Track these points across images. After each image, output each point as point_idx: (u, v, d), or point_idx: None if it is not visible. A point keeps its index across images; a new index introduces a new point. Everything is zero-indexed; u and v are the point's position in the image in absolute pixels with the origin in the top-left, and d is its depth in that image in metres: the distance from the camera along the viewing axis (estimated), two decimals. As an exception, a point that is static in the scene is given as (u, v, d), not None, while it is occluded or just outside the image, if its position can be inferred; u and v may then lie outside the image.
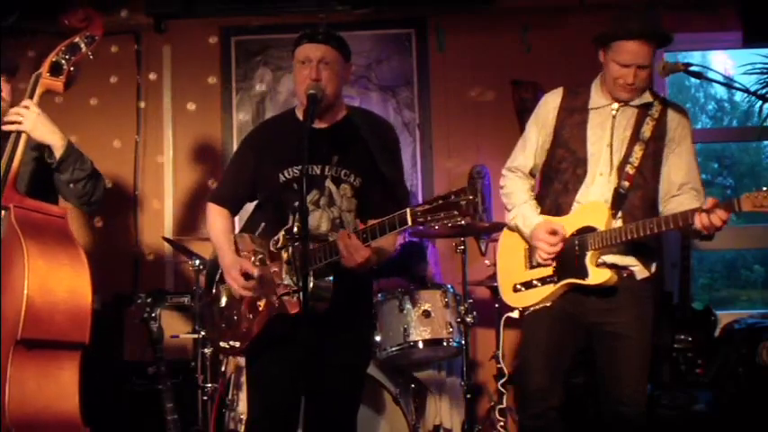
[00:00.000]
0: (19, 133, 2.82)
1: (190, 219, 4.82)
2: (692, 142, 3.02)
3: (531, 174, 3.14)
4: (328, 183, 2.80)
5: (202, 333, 3.99)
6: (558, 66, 4.55)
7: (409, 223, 2.43)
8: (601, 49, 2.96)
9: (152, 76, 4.90)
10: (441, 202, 2.37)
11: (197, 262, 4.03)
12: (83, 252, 2.73)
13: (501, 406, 3.88)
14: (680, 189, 2.95)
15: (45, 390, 2.58)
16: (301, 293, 2.41)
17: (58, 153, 2.88)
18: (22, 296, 2.52)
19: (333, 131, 2.84)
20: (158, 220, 4.87)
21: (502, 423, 3.93)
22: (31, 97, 2.87)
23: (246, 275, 2.73)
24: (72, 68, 2.90)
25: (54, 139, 2.88)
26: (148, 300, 3.95)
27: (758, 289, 6.31)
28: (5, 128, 2.85)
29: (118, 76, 4.85)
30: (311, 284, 2.57)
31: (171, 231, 4.85)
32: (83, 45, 2.92)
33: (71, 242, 2.75)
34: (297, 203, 2.54)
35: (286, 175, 2.80)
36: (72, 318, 2.63)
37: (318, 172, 2.79)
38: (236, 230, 3.00)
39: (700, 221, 2.64)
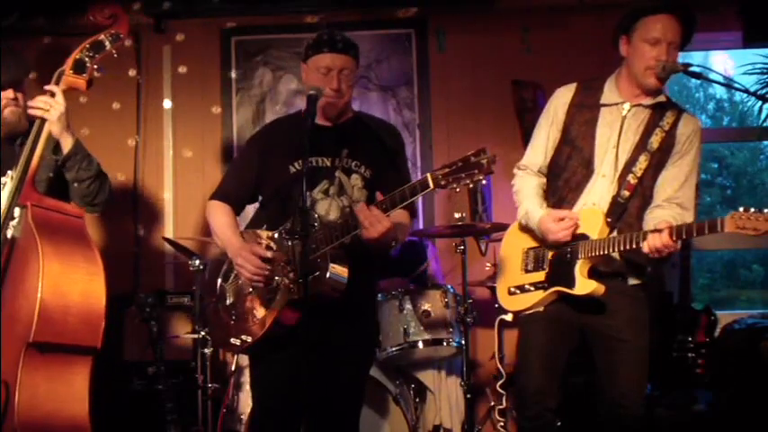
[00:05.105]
0: (39, 131, 2.80)
1: (190, 219, 4.82)
2: (698, 157, 2.94)
3: (542, 171, 3.06)
4: (338, 173, 2.80)
5: (202, 333, 3.98)
6: (558, 66, 4.54)
7: (431, 186, 2.39)
8: (623, 38, 2.88)
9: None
10: (460, 163, 2.34)
11: (197, 262, 4.03)
12: (98, 254, 2.66)
13: (501, 406, 3.89)
14: (667, 201, 2.89)
15: (55, 393, 2.52)
16: (306, 285, 2.38)
17: (65, 149, 2.90)
18: (35, 298, 2.47)
19: (341, 128, 2.87)
20: (158, 220, 4.87)
21: (502, 423, 3.94)
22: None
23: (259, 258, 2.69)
24: (96, 66, 2.87)
25: (65, 136, 2.89)
26: (148, 300, 3.95)
27: (757, 289, 6.32)
28: (31, 112, 2.84)
29: (118, 76, 4.85)
30: (328, 274, 2.56)
31: (171, 231, 4.85)
32: (107, 43, 2.88)
33: (87, 244, 2.68)
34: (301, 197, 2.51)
35: (296, 166, 2.80)
36: (85, 321, 2.57)
37: (329, 164, 2.80)
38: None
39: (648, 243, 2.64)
